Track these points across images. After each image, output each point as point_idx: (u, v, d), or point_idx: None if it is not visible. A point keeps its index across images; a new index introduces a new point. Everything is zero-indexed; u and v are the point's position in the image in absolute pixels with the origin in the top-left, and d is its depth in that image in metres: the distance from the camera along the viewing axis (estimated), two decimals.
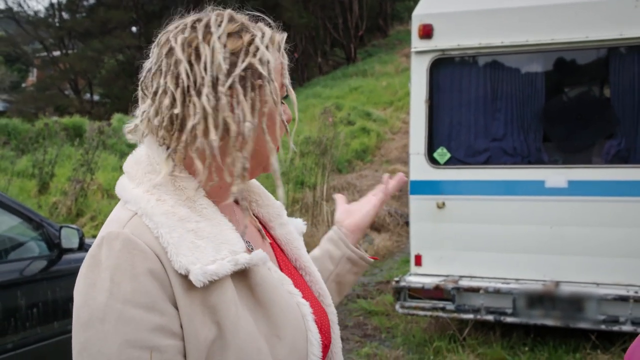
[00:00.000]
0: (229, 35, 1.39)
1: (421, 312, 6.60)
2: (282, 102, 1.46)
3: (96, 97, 39.15)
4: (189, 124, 1.34)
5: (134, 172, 1.43)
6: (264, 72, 1.37)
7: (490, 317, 6.37)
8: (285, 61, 1.48)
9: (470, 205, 6.66)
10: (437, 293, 6.47)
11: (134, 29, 38.26)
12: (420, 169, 6.81)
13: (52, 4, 38.41)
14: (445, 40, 6.71)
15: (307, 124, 18.73)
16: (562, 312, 6.18)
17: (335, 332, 1.60)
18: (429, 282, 6.53)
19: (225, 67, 1.35)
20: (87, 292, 1.28)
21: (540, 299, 6.24)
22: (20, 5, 42.34)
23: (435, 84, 6.81)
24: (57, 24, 37.63)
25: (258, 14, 1.50)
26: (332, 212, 11.37)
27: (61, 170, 12.91)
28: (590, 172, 6.35)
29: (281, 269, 1.54)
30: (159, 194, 1.36)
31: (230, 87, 1.35)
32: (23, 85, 44.90)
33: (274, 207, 1.68)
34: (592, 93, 6.67)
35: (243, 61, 1.36)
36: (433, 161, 6.77)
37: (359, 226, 1.92)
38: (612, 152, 6.41)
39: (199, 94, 1.34)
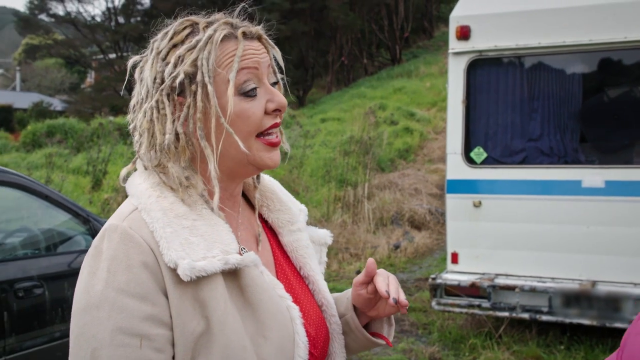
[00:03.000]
0: (173, 46, 1.42)
1: (457, 309, 6.55)
2: (254, 93, 1.41)
3: None
4: (135, 136, 1.44)
5: (141, 169, 1.46)
6: (197, 78, 1.37)
7: (525, 315, 6.29)
8: (239, 51, 1.40)
9: (507, 204, 6.58)
10: (473, 290, 6.42)
11: None
12: (457, 169, 6.76)
13: (108, 9, 38.99)
14: (483, 42, 6.65)
15: (351, 123, 18.76)
16: (598, 312, 6.08)
17: (338, 341, 1.59)
18: (465, 279, 6.48)
19: (157, 81, 1.39)
20: (87, 280, 1.32)
21: (577, 298, 6.14)
22: (78, 10, 42.81)
23: (472, 85, 6.76)
24: (113, 28, 38.19)
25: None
26: (373, 210, 11.36)
27: (114, 168, 13.11)
28: (627, 172, 6.22)
29: (277, 274, 1.53)
30: (162, 190, 1.39)
31: (160, 100, 1.38)
32: (82, 86, 45.70)
33: (286, 213, 1.64)
34: (631, 93, 6.51)
35: (172, 71, 1.38)
36: (470, 161, 6.71)
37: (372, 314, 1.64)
38: None
39: (139, 109, 1.43)
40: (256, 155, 1.43)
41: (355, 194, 11.89)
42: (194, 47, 1.38)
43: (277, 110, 1.44)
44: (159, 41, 1.43)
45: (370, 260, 1.58)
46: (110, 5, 38.83)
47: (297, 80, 36.72)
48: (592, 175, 6.31)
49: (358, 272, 9.96)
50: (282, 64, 1.52)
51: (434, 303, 6.60)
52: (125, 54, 37.79)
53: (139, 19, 38.66)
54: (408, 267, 9.73)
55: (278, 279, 1.50)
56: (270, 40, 1.50)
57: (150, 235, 1.32)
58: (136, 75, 1.45)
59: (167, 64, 1.39)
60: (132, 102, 1.45)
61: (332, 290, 1.68)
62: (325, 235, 1.74)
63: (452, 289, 6.50)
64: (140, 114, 1.41)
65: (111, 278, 1.28)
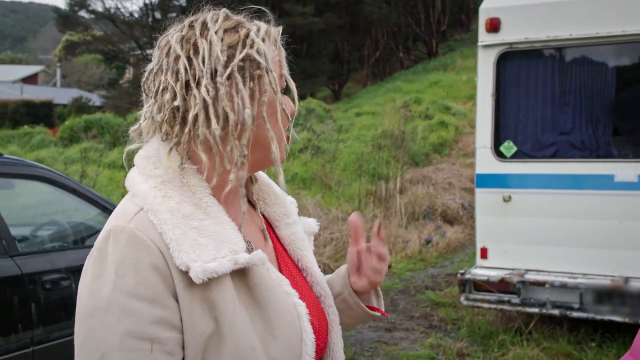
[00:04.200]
0: (226, 30, 1.41)
1: (486, 305, 6.49)
2: (283, 94, 1.47)
3: None
4: (190, 115, 1.36)
5: (143, 166, 1.43)
6: (262, 62, 1.39)
7: (556, 312, 6.22)
8: (283, 54, 1.48)
9: (537, 199, 6.52)
10: (502, 286, 6.37)
11: None
12: (486, 163, 6.71)
13: (145, 5, 39.35)
14: (513, 34, 6.60)
15: (386, 117, 18.71)
16: (631, 309, 5.99)
17: (336, 331, 1.60)
18: (495, 275, 6.43)
19: (223, 58, 1.37)
20: (92, 283, 1.30)
21: (609, 295, 6.06)
22: (117, 7, 43.30)
23: (502, 78, 6.70)
24: (150, 24, 38.55)
25: (260, 7, 1.53)
26: (405, 205, 11.31)
27: None
28: None
29: (281, 269, 1.54)
30: (166, 190, 1.37)
31: (229, 78, 1.37)
32: (120, 82, 46.21)
33: (281, 206, 1.66)
34: None
35: (240, 52, 1.38)
36: (499, 155, 6.65)
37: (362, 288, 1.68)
38: None
39: (198, 85, 1.36)
40: (280, 148, 1.46)
41: (387, 188, 11.85)
42: (254, 35, 1.41)
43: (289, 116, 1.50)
44: (209, 21, 1.42)
45: (378, 220, 1.66)
46: (147, 1, 39.20)
47: (332, 74, 36.75)
48: (625, 170, 6.22)
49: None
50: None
51: (462, 298, 6.55)
52: None
53: (175, 14, 38.96)
54: (439, 262, 9.69)
55: (282, 273, 1.51)
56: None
57: (159, 237, 1.30)
58: (182, 52, 1.39)
59: (230, 45, 1.39)
60: (183, 81, 1.38)
61: None
62: (313, 223, 1.75)
63: (481, 285, 6.46)
64: (193, 91, 1.36)
65: (119, 281, 1.27)
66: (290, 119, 1.48)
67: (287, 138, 1.50)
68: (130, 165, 1.48)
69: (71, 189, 5.19)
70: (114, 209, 4.77)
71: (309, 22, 34.03)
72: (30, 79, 56.69)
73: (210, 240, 1.33)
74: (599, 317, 6.10)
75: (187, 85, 1.37)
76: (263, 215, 1.63)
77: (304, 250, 1.62)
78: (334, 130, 16.48)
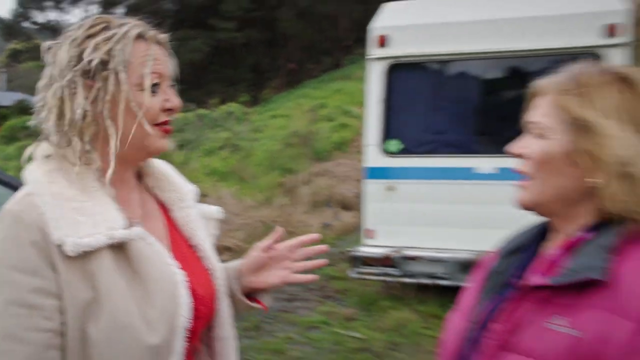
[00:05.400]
0: (88, 36, 1.39)
1: (372, 277, 6.65)
2: (155, 91, 1.43)
3: None
4: (43, 113, 1.39)
5: (38, 158, 1.43)
6: (110, 65, 1.37)
7: (428, 281, 6.43)
8: (154, 53, 1.43)
9: (416, 188, 6.70)
10: (385, 261, 6.53)
11: None
12: (374, 157, 6.85)
13: (82, 18, 38.13)
14: (398, 49, 6.74)
15: (296, 120, 18.77)
16: (470, 281, 6.19)
17: (223, 301, 1.60)
18: (379, 252, 6.58)
19: (71, 62, 1.36)
20: None
21: (469, 266, 6.24)
22: (57, 19, 41.83)
23: (389, 86, 6.82)
24: None
25: (145, 15, 1.50)
26: (309, 195, 11.41)
27: None
28: (515, 161, 6.37)
29: (171, 245, 1.52)
30: (53, 177, 1.37)
31: (72, 80, 1.36)
32: None
33: (176, 192, 1.64)
34: (519, 95, 6.66)
35: (89, 56, 1.36)
36: (385, 151, 6.80)
37: (256, 285, 1.71)
38: None
39: (49, 88, 1.38)
40: (152, 140, 1.44)
41: (295, 181, 11.93)
42: (110, 38, 1.37)
43: (171, 110, 1.46)
44: (75, 30, 1.40)
45: (279, 229, 1.67)
46: (84, 15, 38.04)
47: (252, 82, 36.51)
48: (487, 163, 6.45)
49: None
50: (174, 73, 1.52)
51: (352, 272, 6.68)
52: None
53: None
54: (336, 242, 9.80)
55: (171, 248, 1.49)
56: (170, 49, 1.50)
57: (41, 217, 1.30)
58: (48, 59, 1.40)
59: (83, 49, 1.37)
60: (42, 83, 1.41)
61: None
62: (215, 211, 1.75)
63: (368, 260, 6.59)
64: (50, 92, 1.37)
65: (3, 256, 1.29)
66: (138, 113, 1.40)
67: (166, 131, 1.47)
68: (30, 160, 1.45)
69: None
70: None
71: (232, 36, 33.67)
72: None
73: (89, 219, 1.32)
74: (462, 284, 6.28)
75: (45, 88, 1.39)
76: (158, 200, 1.62)
77: (195, 230, 1.61)
78: (251, 130, 16.44)
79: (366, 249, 6.70)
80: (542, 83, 1.40)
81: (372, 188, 6.86)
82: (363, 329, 6.20)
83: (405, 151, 6.77)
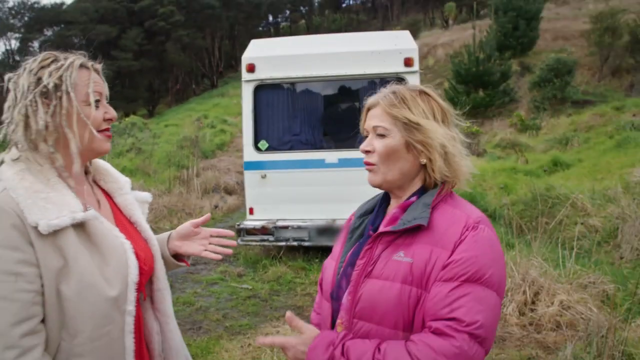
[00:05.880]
0: (42, 67, 1.38)
1: (254, 243, 6.56)
2: (97, 105, 1.41)
3: None
4: (11, 127, 1.36)
5: (8, 161, 1.38)
6: (62, 87, 1.36)
7: (295, 243, 6.44)
8: (94, 77, 1.43)
9: (282, 175, 6.68)
10: (263, 230, 6.46)
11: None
12: (250, 154, 6.75)
13: (7, 50, 34.51)
14: (263, 73, 6.66)
15: (185, 127, 18.14)
16: (337, 237, 6.30)
17: (158, 261, 1.58)
18: (258, 224, 6.50)
19: (31, 87, 1.35)
20: None
21: (325, 230, 6.38)
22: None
23: (258, 101, 6.74)
24: (11, 63, 33.95)
25: (81, 52, 1.47)
26: (200, 184, 11.06)
27: None
28: (351, 153, 6.52)
29: (116, 222, 1.50)
30: (23, 175, 1.33)
31: (33, 100, 1.34)
32: None
33: (116, 182, 1.60)
34: (352, 106, 6.82)
35: (45, 81, 1.35)
36: (257, 149, 6.72)
37: (181, 251, 1.70)
38: (362, 141, 6.60)
39: (14, 107, 1.36)
40: (98, 143, 1.42)
41: (188, 174, 11.52)
42: (60, 67, 1.37)
43: (109, 120, 1.44)
44: (30, 63, 1.38)
45: (207, 215, 1.69)
46: (8, 47, 34.44)
47: (147, 99, 34.90)
48: (331, 156, 6.56)
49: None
50: (108, 92, 1.49)
51: (239, 240, 6.56)
52: None
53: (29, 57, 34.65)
54: (224, 219, 9.62)
55: (116, 225, 1.47)
56: (102, 75, 1.48)
57: (17, 206, 1.27)
58: (10, 86, 1.37)
59: (39, 77, 1.35)
60: (7, 105, 1.37)
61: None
62: (146, 196, 1.71)
63: (250, 230, 6.50)
64: (16, 110, 1.34)
65: None
66: (87, 122, 1.38)
67: (109, 136, 1.45)
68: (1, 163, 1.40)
69: None
70: None
71: (130, 64, 32.02)
72: None
73: (54, 206, 1.30)
74: (320, 244, 6.40)
75: (11, 107, 1.36)
76: (104, 190, 1.58)
77: (133, 210, 1.58)
78: (150, 136, 15.64)
79: (248, 222, 6.59)
80: (373, 99, 1.47)
81: (250, 177, 6.76)
82: (251, 281, 6.12)
83: (271, 149, 6.73)
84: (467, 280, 1.25)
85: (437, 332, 1.22)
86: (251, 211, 6.73)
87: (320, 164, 6.55)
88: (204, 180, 11.45)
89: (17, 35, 34.60)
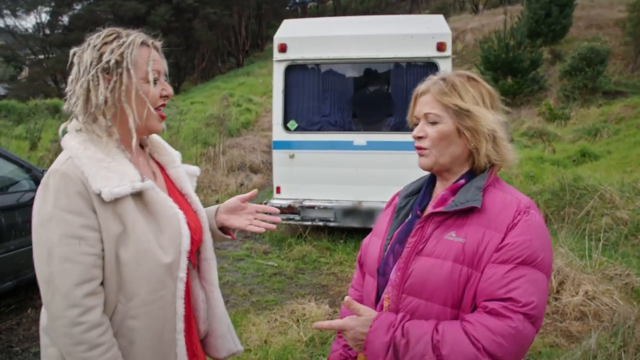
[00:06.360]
0: (104, 43, 1.41)
1: (281, 222, 6.60)
2: (155, 82, 1.45)
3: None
4: (73, 100, 1.40)
5: (71, 131, 1.43)
6: (123, 64, 1.39)
7: (321, 224, 6.49)
8: (153, 54, 1.46)
9: (310, 155, 6.71)
10: (289, 209, 6.52)
11: None
12: (279, 134, 6.79)
13: (37, 23, 34.93)
14: (294, 54, 6.66)
15: (211, 105, 18.23)
16: (362, 219, 6.37)
17: (206, 231, 1.63)
18: (285, 202, 6.56)
19: (94, 62, 1.39)
20: (40, 205, 1.33)
21: (350, 212, 6.41)
22: (15, 24, 38.05)
23: (288, 81, 6.75)
24: (41, 37, 34.35)
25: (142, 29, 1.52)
26: (226, 162, 11.16)
27: (46, 135, 11.91)
28: (379, 135, 6.53)
29: (170, 193, 1.55)
30: (86, 145, 1.38)
31: (95, 75, 1.38)
32: (18, 78, 40.81)
33: (169, 155, 1.65)
34: (381, 89, 6.80)
35: (107, 58, 1.39)
36: (287, 129, 6.75)
37: (227, 224, 1.73)
38: (391, 124, 6.62)
39: (77, 81, 1.40)
40: (153, 122, 1.46)
41: (214, 151, 11.63)
42: (122, 44, 1.39)
43: (166, 97, 1.48)
44: (94, 39, 1.42)
45: (254, 191, 1.76)
46: (39, 21, 34.84)
47: (174, 77, 35.07)
48: (360, 138, 6.56)
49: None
50: (167, 69, 1.53)
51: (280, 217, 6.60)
52: (51, 55, 34.17)
53: (60, 31, 34.95)
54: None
55: (170, 196, 1.52)
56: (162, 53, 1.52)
57: (82, 174, 1.32)
58: (75, 60, 1.41)
59: (101, 53, 1.38)
60: (71, 78, 1.41)
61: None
62: (195, 170, 1.75)
63: (277, 209, 6.55)
64: (78, 84, 1.38)
65: (57, 202, 1.30)
66: (145, 99, 1.42)
67: (162, 116, 1.49)
68: (64, 133, 1.45)
69: None
70: (28, 165, 4.29)
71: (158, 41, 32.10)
72: None
73: (116, 175, 1.35)
74: (345, 225, 6.45)
75: (77, 81, 1.39)
76: (157, 162, 1.63)
77: (184, 183, 1.63)
78: (177, 113, 15.78)
79: (275, 201, 6.65)
80: (423, 86, 1.48)
81: (278, 156, 6.81)
82: (276, 259, 6.20)
83: (300, 129, 6.75)
84: (522, 262, 1.28)
85: (493, 313, 1.26)
86: (278, 190, 6.79)
87: (348, 145, 6.56)
88: (229, 158, 11.53)
89: (47, 9, 34.93)
